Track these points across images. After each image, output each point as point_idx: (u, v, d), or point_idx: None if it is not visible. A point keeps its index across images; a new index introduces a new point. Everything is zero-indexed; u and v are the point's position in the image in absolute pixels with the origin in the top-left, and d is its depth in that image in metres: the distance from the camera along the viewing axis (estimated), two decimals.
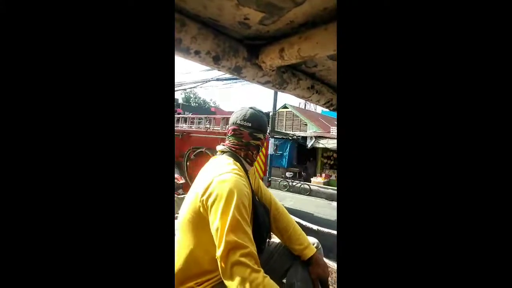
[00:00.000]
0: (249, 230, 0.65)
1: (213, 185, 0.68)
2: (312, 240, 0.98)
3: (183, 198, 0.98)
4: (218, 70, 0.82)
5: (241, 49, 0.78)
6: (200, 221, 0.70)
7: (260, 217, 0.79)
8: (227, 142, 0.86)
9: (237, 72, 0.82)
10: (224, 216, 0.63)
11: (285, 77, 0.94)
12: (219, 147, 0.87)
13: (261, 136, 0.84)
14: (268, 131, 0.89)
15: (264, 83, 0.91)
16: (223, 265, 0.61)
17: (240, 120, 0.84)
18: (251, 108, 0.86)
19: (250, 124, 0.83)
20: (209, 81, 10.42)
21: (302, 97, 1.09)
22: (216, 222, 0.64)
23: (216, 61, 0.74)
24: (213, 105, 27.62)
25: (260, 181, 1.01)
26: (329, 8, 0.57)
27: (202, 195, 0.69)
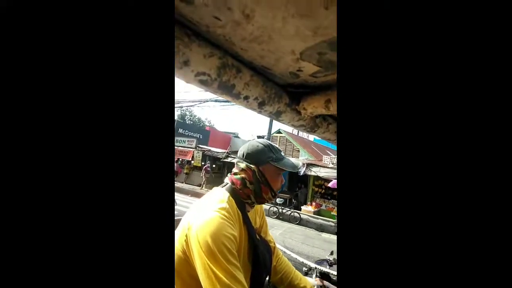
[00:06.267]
0: (238, 273, 0.61)
1: (194, 227, 0.64)
2: (312, 282, 0.98)
3: None
4: (258, 113, 0.81)
5: (284, 95, 0.78)
6: (185, 256, 0.66)
7: (261, 257, 0.75)
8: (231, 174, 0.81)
9: (276, 116, 0.82)
10: (207, 267, 0.60)
11: (318, 122, 0.94)
12: (226, 179, 0.82)
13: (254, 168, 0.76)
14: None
15: (298, 126, 0.91)
16: None
17: (240, 154, 0.79)
18: (253, 140, 0.80)
19: (249, 160, 0.75)
20: (206, 101, 10.55)
21: (328, 140, 1.10)
22: (200, 272, 0.61)
23: (261, 106, 0.74)
24: (208, 124, 27.66)
25: (266, 219, 0.96)
26: None
27: (188, 231, 0.65)
